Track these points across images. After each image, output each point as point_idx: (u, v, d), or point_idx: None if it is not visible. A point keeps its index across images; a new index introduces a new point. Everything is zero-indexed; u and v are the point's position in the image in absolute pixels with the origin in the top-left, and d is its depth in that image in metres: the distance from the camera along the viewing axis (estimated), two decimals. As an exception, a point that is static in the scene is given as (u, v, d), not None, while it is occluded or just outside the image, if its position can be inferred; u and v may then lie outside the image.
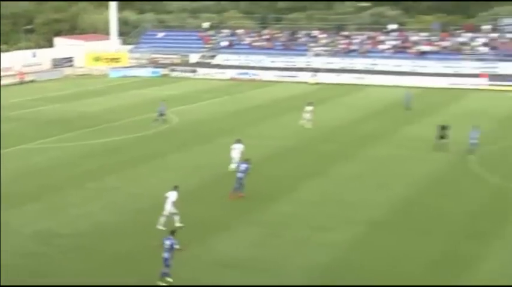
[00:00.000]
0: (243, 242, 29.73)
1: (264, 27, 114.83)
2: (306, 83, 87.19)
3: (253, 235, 30.74)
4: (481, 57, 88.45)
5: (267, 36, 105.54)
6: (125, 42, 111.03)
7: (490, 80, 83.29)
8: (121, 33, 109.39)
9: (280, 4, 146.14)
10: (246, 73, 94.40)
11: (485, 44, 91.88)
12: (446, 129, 47.33)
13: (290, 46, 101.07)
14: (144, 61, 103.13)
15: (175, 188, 31.61)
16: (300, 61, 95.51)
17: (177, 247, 24.94)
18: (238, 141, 41.88)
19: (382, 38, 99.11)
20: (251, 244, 29.64)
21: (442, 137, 47.25)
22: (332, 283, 25.43)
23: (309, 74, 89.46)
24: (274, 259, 27.77)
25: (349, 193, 37.63)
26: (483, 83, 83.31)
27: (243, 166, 36.28)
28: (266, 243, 29.78)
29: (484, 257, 28.06)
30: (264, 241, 30.08)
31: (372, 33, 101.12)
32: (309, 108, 56.37)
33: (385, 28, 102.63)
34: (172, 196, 31.22)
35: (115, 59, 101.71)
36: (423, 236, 30.52)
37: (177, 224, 30.52)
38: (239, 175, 36.02)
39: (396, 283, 25.26)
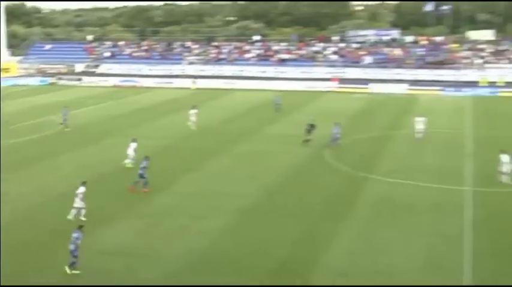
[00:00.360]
0: (127, 232, 29.19)
1: (143, 39, 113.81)
2: (187, 88, 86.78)
3: (137, 225, 30.23)
4: (331, 64, 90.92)
5: (146, 47, 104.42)
6: (14, 54, 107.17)
7: (340, 83, 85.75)
8: (10, 46, 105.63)
9: (157, 18, 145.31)
10: (128, 80, 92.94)
11: (335, 53, 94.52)
12: (313, 128, 48.38)
13: (166, 56, 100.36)
14: (32, 71, 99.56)
15: (84, 183, 30.94)
16: (176, 69, 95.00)
17: (78, 242, 24.27)
18: (134, 140, 41.67)
19: (247, 47, 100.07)
20: (135, 233, 29.14)
21: (309, 134, 48.24)
22: (209, 265, 25.43)
23: (185, 80, 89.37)
24: (156, 246, 27.45)
25: (222, 184, 37.67)
26: (334, 86, 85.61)
27: (143, 163, 35.82)
28: (149, 232, 29.36)
29: (337, 235, 28.76)
30: (147, 230, 29.63)
31: (238, 44, 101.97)
32: (193, 111, 56.11)
33: (250, 39, 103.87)
34: (80, 190, 30.51)
35: (4, 69, 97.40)
36: (287, 220, 30.92)
37: (70, 217, 29.89)
38: (140, 171, 35.48)
39: (264, 262, 25.56)
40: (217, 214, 31.82)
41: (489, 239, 28.20)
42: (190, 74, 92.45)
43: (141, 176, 35.38)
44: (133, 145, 41.27)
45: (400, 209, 32.54)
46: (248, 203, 33.74)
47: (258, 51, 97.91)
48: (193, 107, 56.62)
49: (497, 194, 35.25)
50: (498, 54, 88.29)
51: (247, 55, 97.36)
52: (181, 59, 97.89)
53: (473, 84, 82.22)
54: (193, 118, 55.65)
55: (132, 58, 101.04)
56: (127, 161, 41.02)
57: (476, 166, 41.60)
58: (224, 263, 25.60)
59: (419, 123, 50.14)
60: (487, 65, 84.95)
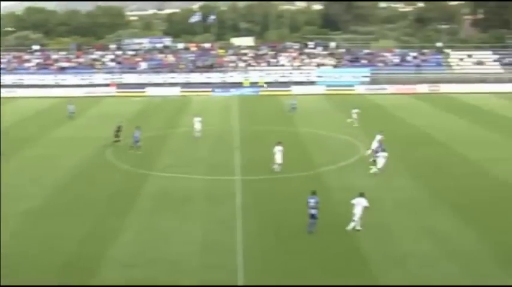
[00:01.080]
0: None
1: None
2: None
3: None
4: (110, 70, 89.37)
5: None
6: None
7: (118, 88, 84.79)
8: None
9: None
10: None
11: (112, 60, 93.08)
12: (120, 130, 47.24)
13: None
14: None
15: None
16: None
17: None
18: None
19: (27, 57, 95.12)
20: None
21: (117, 136, 47.04)
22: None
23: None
24: None
25: (8, 188, 35.40)
26: (113, 91, 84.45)
27: None
28: None
29: (123, 229, 28.52)
30: None
31: (17, 53, 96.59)
32: None
33: (30, 49, 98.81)
34: None
35: None
36: (73, 218, 30.03)
37: None
38: None
39: (53, 259, 24.64)
40: (4, 218, 29.97)
41: (257, 221, 29.58)
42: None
43: None
44: None
45: (178, 201, 32.95)
46: (35, 205, 32.27)
47: (37, 60, 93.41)
48: None
49: (262, 181, 37.00)
50: (258, 58, 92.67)
51: (27, 64, 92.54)
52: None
53: (238, 85, 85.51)
54: None
55: None
56: None
57: (243, 158, 43.32)
58: (14, 265, 24.32)
59: (198, 123, 50.86)
60: (249, 68, 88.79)
